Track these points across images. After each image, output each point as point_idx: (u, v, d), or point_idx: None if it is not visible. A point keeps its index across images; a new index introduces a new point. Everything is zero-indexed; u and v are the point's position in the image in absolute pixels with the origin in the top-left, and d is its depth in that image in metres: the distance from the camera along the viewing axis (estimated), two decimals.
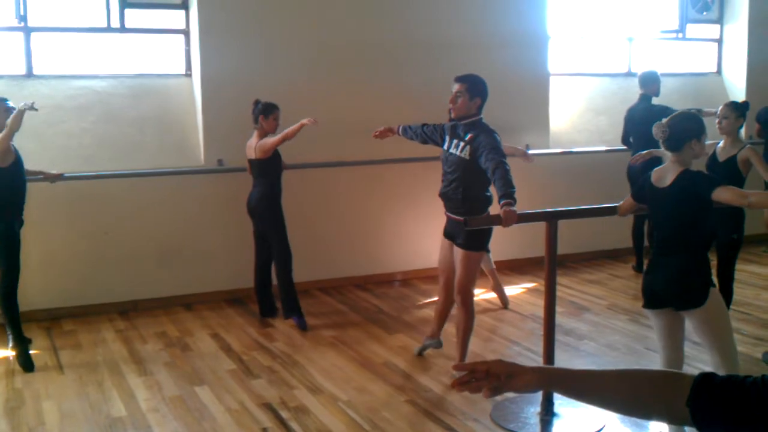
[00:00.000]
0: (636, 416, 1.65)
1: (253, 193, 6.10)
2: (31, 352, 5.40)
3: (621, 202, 4.17)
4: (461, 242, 4.83)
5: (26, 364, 5.26)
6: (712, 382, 1.46)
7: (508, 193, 4.43)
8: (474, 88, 4.75)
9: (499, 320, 6.19)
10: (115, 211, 6.41)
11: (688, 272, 3.65)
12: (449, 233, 4.99)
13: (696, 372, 1.54)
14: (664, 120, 3.74)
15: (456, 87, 4.76)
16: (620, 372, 1.62)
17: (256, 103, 5.96)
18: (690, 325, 3.73)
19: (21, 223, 5.40)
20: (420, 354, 5.39)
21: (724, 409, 1.42)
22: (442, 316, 5.30)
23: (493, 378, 1.61)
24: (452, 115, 4.86)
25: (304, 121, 5.75)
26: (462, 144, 4.75)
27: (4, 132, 5.13)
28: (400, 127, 5.43)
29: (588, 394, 1.62)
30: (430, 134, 5.18)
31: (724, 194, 3.55)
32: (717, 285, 5.20)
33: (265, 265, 6.23)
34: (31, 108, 5.17)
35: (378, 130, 5.54)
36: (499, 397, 4.67)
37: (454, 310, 5.20)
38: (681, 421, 1.50)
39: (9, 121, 5.13)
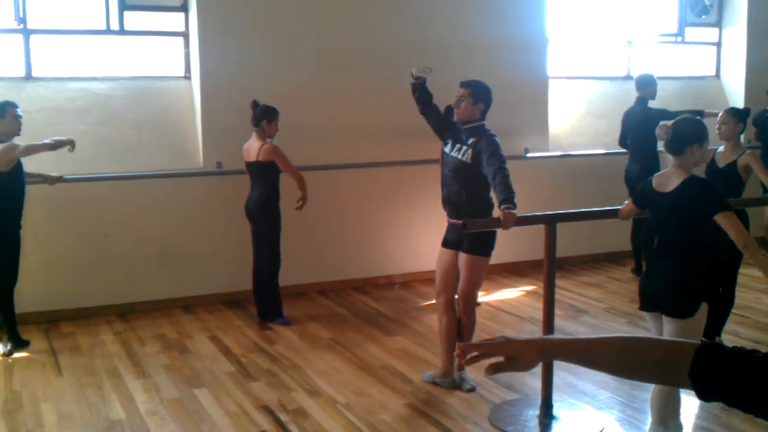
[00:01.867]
0: (636, 380, 1.67)
1: (251, 195, 6.09)
2: (28, 354, 5.43)
3: (622, 206, 4.16)
4: (466, 247, 4.78)
5: (17, 341, 5.48)
6: (717, 353, 1.45)
7: (508, 198, 4.43)
8: (478, 93, 4.76)
9: (498, 323, 6.19)
10: (114, 213, 6.41)
11: (684, 281, 3.64)
12: (452, 241, 4.86)
13: None
14: (669, 122, 3.73)
15: (460, 91, 4.78)
16: (619, 340, 1.61)
17: (255, 105, 5.96)
18: (666, 329, 3.69)
19: (20, 225, 5.44)
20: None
21: (726, 381, 1.41)
22: (451, 342, 4.89)
23: (496, 357, 1.64)
24: (454, 119, 4.87)
25: (299, 201, 5.99)
26: (464, 148, 4.75)
27: (21, 148, 5.29)
28: (422, 82, 4.95)
29: (590, 363, 1.63)
30: (438, 116, 4.97)
31: (725, 224, 3.54)
32: (720, 290, 5.25)
33: (263, 267, 6.23)
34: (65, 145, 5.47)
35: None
36: (497, 400, 4.68)
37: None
38: (681, 386, 1.50)
39: (32, 146, 5.36)
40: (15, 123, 5.37)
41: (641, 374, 1.60)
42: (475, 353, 1.65)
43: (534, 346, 1.65)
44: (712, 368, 1.44)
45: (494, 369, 1.64)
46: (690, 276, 3.64)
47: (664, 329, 3.69)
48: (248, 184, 6.14)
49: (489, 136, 4.71)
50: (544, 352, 1.66)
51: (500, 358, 1.64)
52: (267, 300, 6.17)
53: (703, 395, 1.46)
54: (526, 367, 1.64)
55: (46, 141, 5.48)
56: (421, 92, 4.98)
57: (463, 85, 4.80)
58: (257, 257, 6.22)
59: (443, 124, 4.98)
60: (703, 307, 3.64)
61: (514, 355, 1.63)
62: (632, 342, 1.61)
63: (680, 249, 3.67)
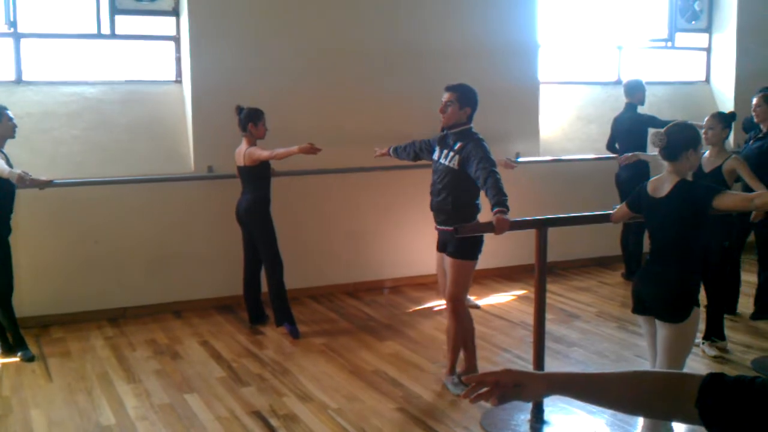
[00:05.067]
0: (643, 416, 1.68)
1: (242, 200, 6.08)
2: (18, 360, 5.43)
3: (614, 210, 4.18)
4: (451, 251, 4.81)
5: (20, 343, 5.49)
6: (721, 383, 1.48)
7: (500, 201, 4.43)
8: (464, 97, 4.75)
9: (490, 327, 6.19)
10: (105, 218, 6.39)
11: (677, 287, 3.65)
12: (441, 245, 4.95)
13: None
14: (662, 129, 3.75)
15: (446, 96, 4.76)
16: (626, 374, 1.64)
17: (239, 109, 5.94)
18: (660, 333, 3.70)
19: (9, 230, 5.42)
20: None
21: (733, 411, 1.43)
22: (454, 343, 4.99)
23: (502, 388, 1.65)
24: (442, 124, 4.87)
25: (295, 149, 5.69)
26: (451, 153, 4.75)
27: None
28: (391, 149, 5.51)
29: (595, 398, 1.65)
30: (419, 149, 5.20)
31: (726, 201, 3.56)
32: (706, 291, 5.27)
33: (254, 272, 6.21)
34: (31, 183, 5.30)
35: (376, 153, 5.68)
36: (488, 404, 4.67)
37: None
38: (689, 420, 1.52)
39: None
40: (10, 127, 5.37)
41: (647, 406, 1.60)
42: (483, 389, 1.67)
43: (541, 376, 1.68)
44: (719, 398, 1.46)
45: (500, 399, 1.66)
46: (684, 282, 3.66)
47: (657, 333, 3.70)
48: (240, 188, 6.13)
49: (476, 139, 4.71)
50: (551, 385, 1.67)
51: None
52: (274, 305, 6.07)
53: (710, 426, 1.47)
54: (534, 395, 1.67)
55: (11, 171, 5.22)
56: (398, 157, 5.45)
57: (449, 89, 4.79)
58: (248, 262, 6.21)
59: (416, 152, 5.26)
60: (695, 311, 3.65)
61: (520, 383, 1.66)
62: (637, 372, 1.64)
63: (674, 254, 3.68)
